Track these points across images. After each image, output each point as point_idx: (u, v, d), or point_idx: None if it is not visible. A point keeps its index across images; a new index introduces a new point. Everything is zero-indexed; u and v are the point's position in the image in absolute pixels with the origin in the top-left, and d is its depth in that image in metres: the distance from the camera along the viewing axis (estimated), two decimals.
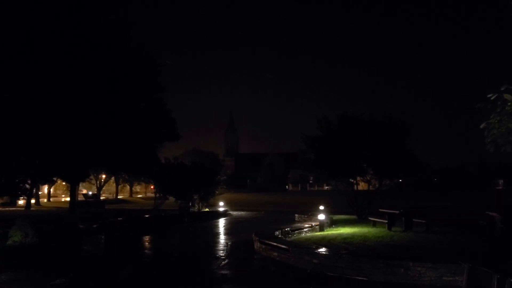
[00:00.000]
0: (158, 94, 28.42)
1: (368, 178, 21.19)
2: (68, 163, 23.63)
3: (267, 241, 11.15)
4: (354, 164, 19.71)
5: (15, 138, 19.84)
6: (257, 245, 11.88)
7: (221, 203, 31.97)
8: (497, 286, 5.56)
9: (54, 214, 26.15)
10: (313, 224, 15.44)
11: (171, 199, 30.86)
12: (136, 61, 24.88)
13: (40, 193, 48.24)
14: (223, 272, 9.32)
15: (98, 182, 52.80)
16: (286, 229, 13.92)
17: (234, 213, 31.11)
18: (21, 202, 39.56)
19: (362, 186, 22.19)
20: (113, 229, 18.38)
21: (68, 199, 40.18)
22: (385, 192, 25.13)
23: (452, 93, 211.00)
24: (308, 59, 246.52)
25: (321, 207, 18.61)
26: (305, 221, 18.85)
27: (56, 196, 67.15)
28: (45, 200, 51.20)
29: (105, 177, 53.71)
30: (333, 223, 16.94)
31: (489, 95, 5.78)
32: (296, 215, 22.12)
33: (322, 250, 9.66)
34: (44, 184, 48.79)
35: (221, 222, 24.12)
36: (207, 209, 30.99)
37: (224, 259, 10.93)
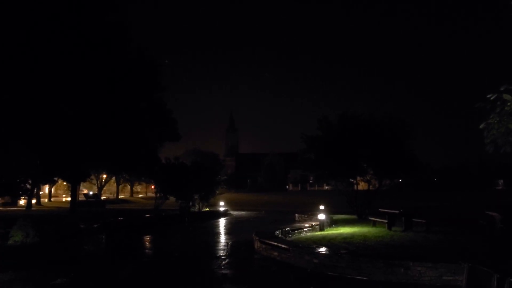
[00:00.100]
0: (158, 94, 28.48)
1: (368, 178, 21.20)
2: (68, 163, 23.67)
3: (267, 241, 11.17)
4: (354, 164, 19.71)
5: (15, 138, 19.87)
6: (257, 244, 11.89)
7: (222, 203, 32.01)
8: (497, 285, 5.58)
9: (55, 214, 26.15)
10: (313, 224, 15.44)
11: (172, 199, 30.93)
12: (136, 61, 24.90)
13: (41, 193, 48.32)
14: (223, 271, 9.34)
15: (99, 182, 52.81)
16: (286, 229, 13.94)
17: (235, 213, 31.13)
18: (22, 202, 39.68)
19: (362, 186, 22.22)
20: (114, 229, 18.43)
21: (69, 199, 40.19)
22: (385, 192, 25.18)
23: (452, 93, 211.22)
24: (308, 59, 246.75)
25: (321, 207, 18.61)
26: (305, 221, 18.85)
27: (57, 196, 67.25)
28: (46, 200, 51.23)
29: (106, 177, 53.72)
30: (333, 223, 16.95)
31: (488, 95, 5.77)
32: (296, 215, 22.18)
33: (322, 249, 9.68)
34: (45, 184, 48.84)
35: (222, 222, 24.15)
36: (207, 209, 31.06)
37: (224, 259, 10.95)
